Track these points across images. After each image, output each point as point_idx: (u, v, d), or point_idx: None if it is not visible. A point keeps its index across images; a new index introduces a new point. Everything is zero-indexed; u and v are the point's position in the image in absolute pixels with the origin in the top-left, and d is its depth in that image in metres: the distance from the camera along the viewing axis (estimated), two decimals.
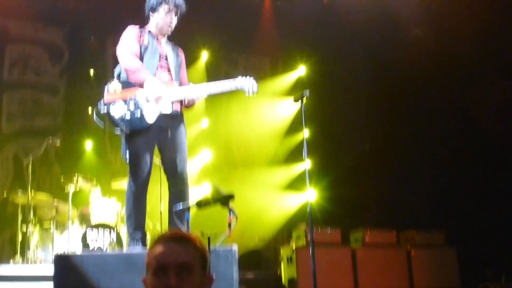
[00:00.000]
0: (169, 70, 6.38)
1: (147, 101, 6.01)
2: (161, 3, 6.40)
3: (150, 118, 5.98)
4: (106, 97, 5.93)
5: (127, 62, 6.14)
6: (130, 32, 6.38)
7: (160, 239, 2.76)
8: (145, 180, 6.13)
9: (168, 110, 6.12)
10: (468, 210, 11.91)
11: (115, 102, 5.91)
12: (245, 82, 6.50)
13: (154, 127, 6.05)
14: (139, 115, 5.92)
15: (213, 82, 6.49)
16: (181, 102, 6.41)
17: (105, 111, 5.90)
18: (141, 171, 6.05)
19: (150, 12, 6.47)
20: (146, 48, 6.30)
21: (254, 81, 6.55)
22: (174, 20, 6.50)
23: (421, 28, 13.56)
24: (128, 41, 6.29)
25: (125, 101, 5.93)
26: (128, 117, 5.87)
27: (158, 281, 2.67)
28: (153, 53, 6.31)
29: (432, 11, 12.77)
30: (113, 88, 5.97)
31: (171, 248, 2.71)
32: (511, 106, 11.60)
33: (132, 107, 5.92)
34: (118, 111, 5.87)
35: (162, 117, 6.07)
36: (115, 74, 6.35)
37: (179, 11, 6.50)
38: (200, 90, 6.42)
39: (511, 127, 11.47)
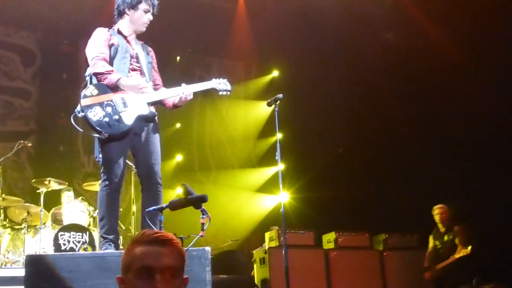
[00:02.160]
0: (141, 72, 6.36)
1: (124, 104, 5.99)
2: (141, 1, 6.38)
3: (129, 120, 5.96)
4: (83, 101, 5.87)
5: (95, 67, 6.09)
6: (99, 34, 6.32)
7: (143, 240, 2.72)
8: (118, 182, 6.09)
9: (145, 111, 6.12)
10: None
11: (92, 106, 5.87)
12: (219, 83, 6.65)
13: (128, 131, 6.04)
14: (117, 118, 5.90)
15: (188, 85, 6.54)
16: (155, 103, 6.40)
17: (83, 116, 5.86)
18: (115, 174, 6.02)
19: (127, 10, 6.41)
20: (116, 50, 6.25)
21: (227, 81, 6.70)
22: (150, 19, 6.50)
23: (393, 32, 13.66)
24: (97, 44, 6.23)
25: (102, 105, 5.90)
26: (106, 120, 5.84)
27: (142, 283, 2.64)
28: (123, 55, 6.26)
29: (404, 16, 12.86)
30: (89, 92, 5.94)
31: (156, 250, 2.68)
32: (484, 111, 11.70)
33: (109, 110, 5.90)
34: (96, 115, 5.83)
35: (136, 120, 6.05)
36: (87, 77, 6.30)
37: (154, 11, 6.50)
38: (175, 92, 6.43)
39: (484, 129, 11.58)
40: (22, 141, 10.70)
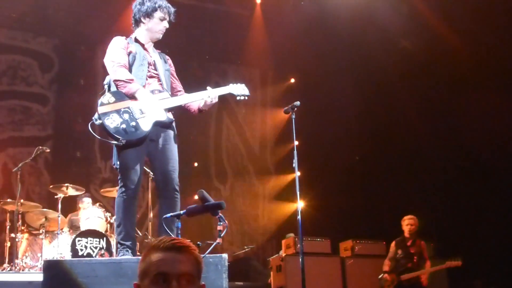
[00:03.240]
0: (159, 79, 6.37)
1: (141, 110, 5.99)
2: (156, 9, 6.40)
3: (146, 126, 5.96)
4: (100, 109, 5.86)
5: (116, 74, 6.09)
6: (117, 42, 6.32)
7: (159, 246, 2.74)
8: (135, 189, 6.08)
9: (162, 117, 6.12)
10: (457, 222, 11.96)
11: (109, 113, 5.86)
12: (236, 87, 6.63)
13: (145, 137, 6.04)
14: (134, 124, 5.89)
15: (204, 91, 6.54)
16: (172, 109, 6.40)
17: (100, 123, 5.86)
18: (131, 180, 6.01)
19: (142, 18, 6.44)
20: (134, 57, 6.25)
21: (245, 86, 6.67)
22: (166, 27, 6.50)
23: (410, 40, 13.63)
24: (116, 52, 6.23)
25: (119, 112, 5.91)
26: (123, 126, 5.84)
27: None
28: (141, 62, 6.26)
29: (421, 23, 12.83)
30: (106, 100, 5.93)
31: (173, 256, 2.70)
32: (499, 122, 11.65)
33: (126, 117, 5.89)
34: (113, 122, 5.83)
35: (153, 127, 6.05)
36: (106, 85, 6.31)
37: (170, 19, 6.51)
38: (191, 98, 6.44)
39: (501, 142, 11.54)
40: (40, 147, 10.72)
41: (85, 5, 13.48)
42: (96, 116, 5.87)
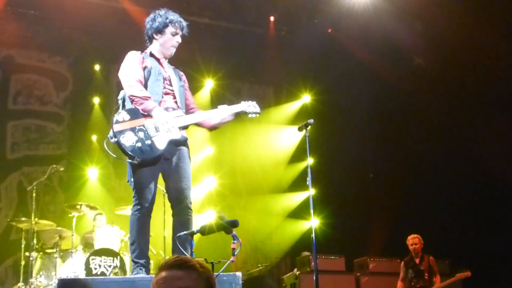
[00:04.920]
0: (174, 97, 6.38)
1: (156, 128, 5.99)
2: (167, 25, 6.42)
3: (161, 145, 5.97)
4: (115, 127, 5.88)
5: (132, 89, 6.08)
6: (132, 57, 6.33)
7: (164, 265, 2.76)
8: (149, 207, 6.09)
9: (177, 136, 6.13)
10: (472, 240, 11.89)
11: (124, 131, 5.87)
12: (248, 105, 6.63)
13: (160, 156, 6.04)
14: (149, 143, 5.91)
15: (218, 109, 6.57)
16: (186, 127, 6.40)
17: (115, 141, 5.87)
18: (145, 199, 6.02)
19: (154, 34, 6.48)
20: (149, 72, 6.26)
21: (256, 104, 6.68)
22: (179, 42, 6.52)
23: (424, 57, 13.62)
24: (131, 67, 6.23)
25: (134, 130, 5.92)
26: (139, 145, 5.85)
27: None
28: (157, 77, 6.27)
29: (435, 41, 12.83)
30: (121, 117, 5.94)
31: (173, 274, 2.70)
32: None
33: (141, 135, 5.90)
34: (128, 140, 5.84)
35: (167, 145, 6.06)
36: (120, 100, 6.33)
37: (183, 33, 6.52)
38: (205, 116, 6.46)
39: None
40: (54, 166, 10.78)
41: (99, 24, 13.55)
42: (111, 134, 5.88)
